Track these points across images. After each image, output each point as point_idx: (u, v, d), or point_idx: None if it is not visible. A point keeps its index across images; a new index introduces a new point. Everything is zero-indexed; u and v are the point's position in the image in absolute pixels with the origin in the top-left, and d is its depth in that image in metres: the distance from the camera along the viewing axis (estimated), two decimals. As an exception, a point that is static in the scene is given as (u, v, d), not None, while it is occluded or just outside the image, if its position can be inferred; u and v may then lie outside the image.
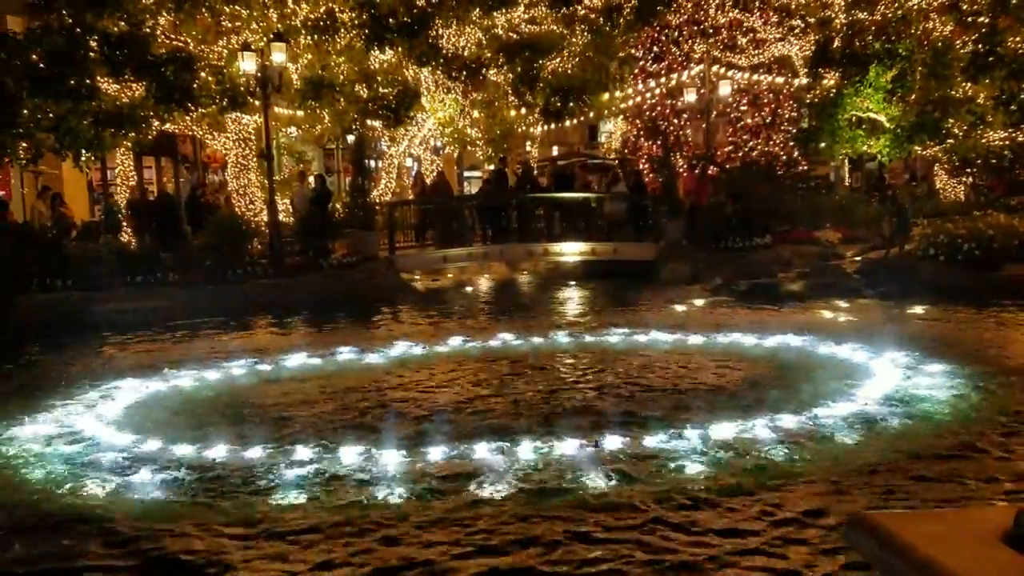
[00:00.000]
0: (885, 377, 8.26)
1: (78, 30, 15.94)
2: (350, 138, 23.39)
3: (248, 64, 16.05)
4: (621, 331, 11.23)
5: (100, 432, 7.26)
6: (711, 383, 8.52)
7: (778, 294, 14.63)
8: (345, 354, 10.37)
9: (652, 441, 6.41)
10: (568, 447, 6.29)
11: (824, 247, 17.94)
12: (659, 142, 23.81)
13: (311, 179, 20.86)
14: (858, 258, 16.91)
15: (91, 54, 15.90)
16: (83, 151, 16.06)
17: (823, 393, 7.74)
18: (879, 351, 9.31)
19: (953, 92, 20.76)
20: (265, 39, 17.06)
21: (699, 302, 14.50)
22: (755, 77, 22.81)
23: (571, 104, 20.62)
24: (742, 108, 23.36)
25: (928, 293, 13.38)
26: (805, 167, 23.37)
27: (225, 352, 10.88)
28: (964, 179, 21.91)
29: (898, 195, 19.90)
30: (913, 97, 21.13)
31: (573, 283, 18.48)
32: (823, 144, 22.34)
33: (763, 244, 17.59)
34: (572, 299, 16.53)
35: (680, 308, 13.83)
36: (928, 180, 24.62)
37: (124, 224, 18.79)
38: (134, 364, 10.42)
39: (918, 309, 12.73)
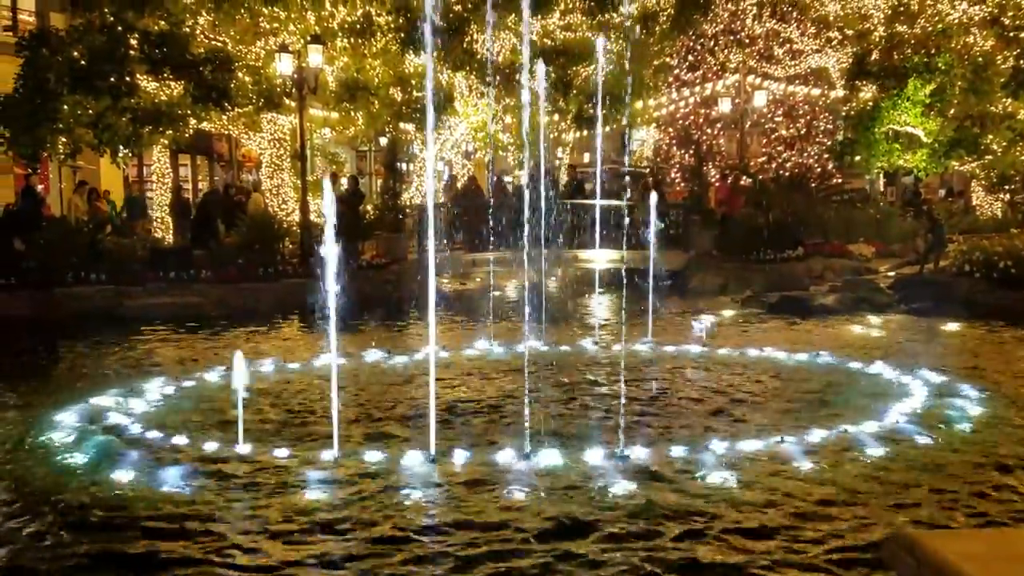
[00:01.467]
0: (917, 395, 8.13)
1: (119, 28, 16.21)
2: (383, 141, 23.56)
3: (285, 65, 16.23)
4: (648, 340, 11.17)
5: (131, 426, 7.35)
6: (739, 397, 8.45)
7: (809, 307, 14.47)
8: (373, 356, 10.42)
9: (678, 451, 6.36)
10: (595, 455, 6.26)
11: (857, 261, 17.75)
12: (692, 151, 23.71)
13: (344, 180, 21.03)
14: (892, 273, 16.71)
15: (131, 52, 16.16)
16: (120, 147, 16.32)
17: (854, 409, 7.64)
18: (912, 368, 9.17)
19: (992, 108, 20.48)
20: (302, 41, 17.24)
21: (728, 313, 14.39)
22: (791, 88, 22.66)
23: (604, 111, 20.59)
24: (777, 119, 23.22)
25: (963, 310, 13.17)
26: (839, 180, 23.16)
27: (254, 350, 10.97)
28: (1002, 196, 21.58)
29: (934, 210, 19.64)
30: (951, 112, 20.85)
31: (602, 290, 18.42)
32: (859, 157, 22.11)
33: (795, 256, 17.44)
34: (601, 306, 16.48)
35: (709, 318, 13.72)
36: (965, 196, 24.28)
37: (152, 216, 18.99)
38: (163, 359, 10.53)
39: (952, 326, 12.54)
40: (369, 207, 20.27)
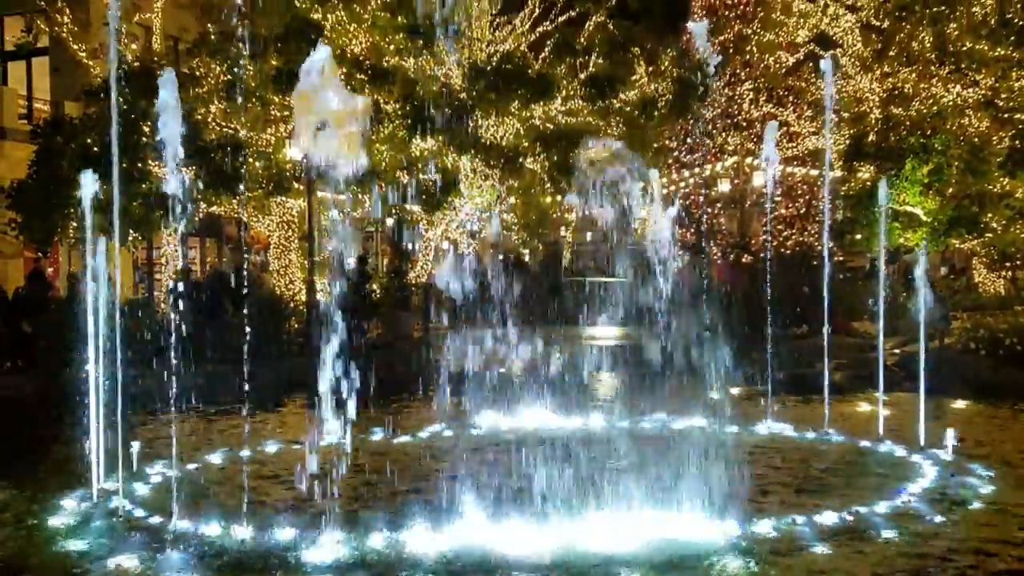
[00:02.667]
0: (926, 474, 8.06)
1: (132, 116, 16.66)
2: (389, 221, 23.92)
3: (295, 151, 16.62)
4: (656, 417, 11.13)
5: (133, 510, 7.30)
6: (749, 475, 8.37)
7: (815, 385, 14.40)
8: (376, 435, 10.37)
9: (690, 534, 6.29)
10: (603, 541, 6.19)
11: (862, 338, 17.74)
12: (693, 230, 24.02)
13: (351, 261, 21.27)
14: (897, 350, 16.69)
15: (143, 139, 16.57)
16: (131, 231, 16.58)
17: (863, 489, 7.56)
18: (920, 447, 9.11)
19: (990, 187, 20.77)
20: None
21: (735, 390, 14.33)
22: (789, 169, 23.07)
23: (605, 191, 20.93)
24: (776, 199, 23.56)
25: (969, 388, 13.11)
26: (841, 258, 23.36)
27: (255, 432, 10.94)
28: (1004, 273, 21.70)
29: (936, 288, 19.73)
30: (950, 191, 21.15)
31: (607, 366, 18.41)
32: (859, 236, 22.32)
33: (799, 334, 17.45)
34: (606, 383, 16.45)
35: (715, 395, 13.67)
36: (967, 273, 24.41)
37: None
38: (168, 440, 10.50)
39: (959, 404, 12.47)
40: (375, 286, 20.46)
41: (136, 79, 16.78)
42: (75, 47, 20.15)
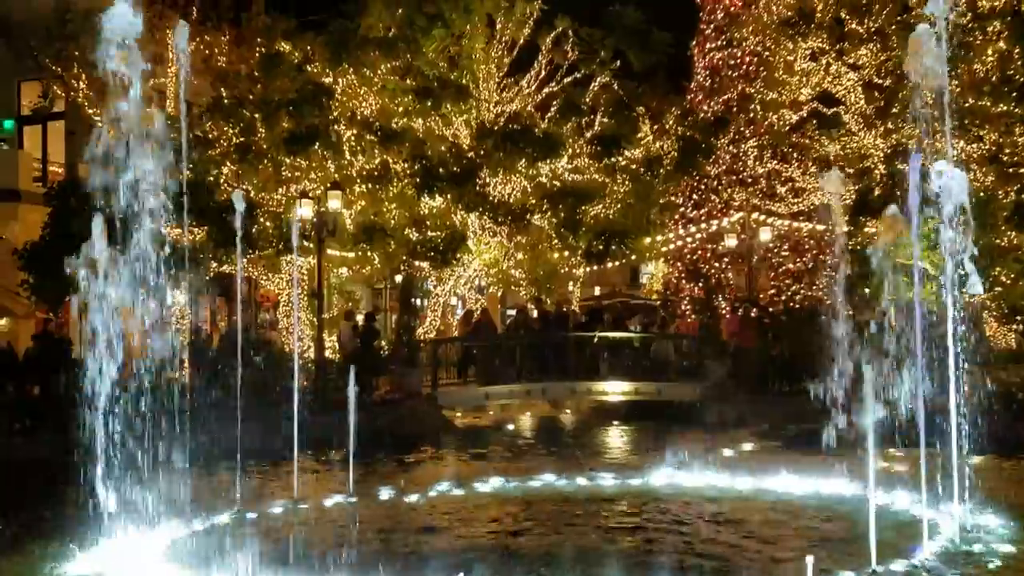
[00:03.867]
0: (943, 531, 7.94)
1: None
2: (398, 278, 24.05)
3: (305, 210, 16.84)
4: (666, 474, 11.03)
5: (149, 569, 7.25)
6: (764, 535, 8.27)
7: (827, 441, 14.28)
8: (384, 494, 10.31)
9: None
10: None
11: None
12: (701, 284, 24.05)
13: (360, 317, 21.34)
14: (910, 406, 16.56)
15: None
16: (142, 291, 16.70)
17: (879, 547, 7.45)
18: (936, 503, 8.98)
19: (998, 240, 20.77)
20: (322, 187, 17.94)
21: (747, 446, 14.22)
22: (796, 224, 23.18)
23: (613, 247, 21.07)
24: (783, 253, 23.64)
25: (982, 443, 12.96)
26: (850, 312, 23.29)
27: (264, 490, 10.88)
28: (1015, 327, 21.58)
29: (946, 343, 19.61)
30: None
31: (617, 423, 18.30)
32: (867, 291, 22.26)
33: (810, 388, 17.33)
34: (616, 439, 16.35)
35: (728, 452, 13.57)
36: (977, 328, 24.30)
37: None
38: (176, 501, 10.44)
39: (974, 459, 12.32)
40: (384, 343, 20.49)
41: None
42: (90, 111, 20.58)
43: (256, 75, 20.28)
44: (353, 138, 19.30)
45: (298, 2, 21.04)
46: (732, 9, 25.75)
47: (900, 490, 9.84)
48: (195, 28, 20.85)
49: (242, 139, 18.66)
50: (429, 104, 19.31)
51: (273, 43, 20.05)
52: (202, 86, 20.92)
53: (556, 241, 21.50)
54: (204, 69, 20.90)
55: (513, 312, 32.26)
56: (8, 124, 23.84)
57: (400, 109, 19.95)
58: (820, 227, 23.42)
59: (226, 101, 19.45)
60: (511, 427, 18.30)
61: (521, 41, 21.70)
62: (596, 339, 20.81)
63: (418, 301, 26.58)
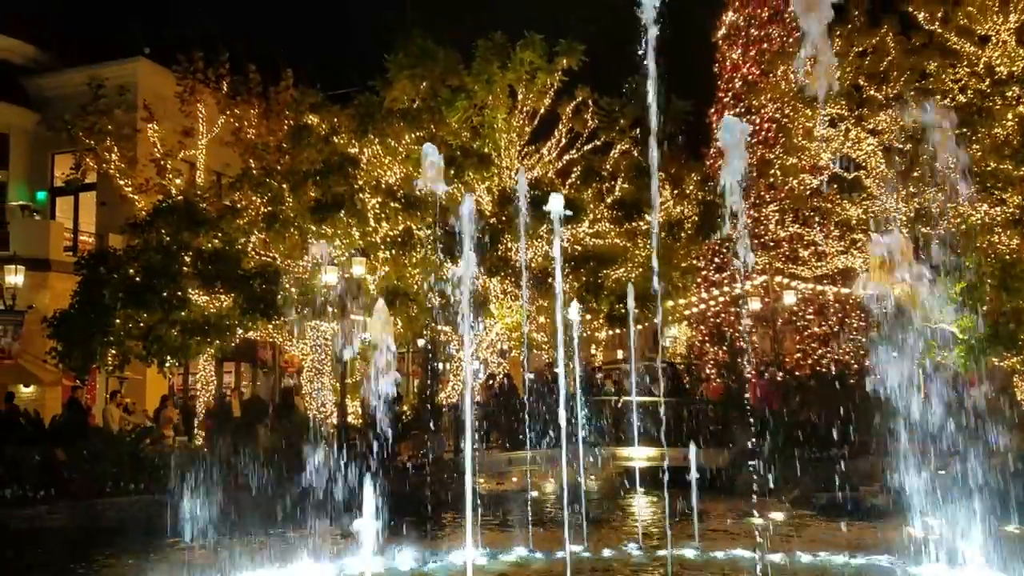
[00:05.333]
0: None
1: (175, 247, 17.25)
2: (420, 342, 24.09)
3: (330, 277, 17.01)
4: (695, 545, 10.80)
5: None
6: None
7: (861, 509, 13.98)
8: (406, 560, 10.16)
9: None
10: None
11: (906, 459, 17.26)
12: (725, 348, 23.89)
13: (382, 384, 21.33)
14: (942, 471, 16.19)
15: (184, 268, 17.08)
16: (168, 358, 16.86)
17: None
18: (971, 572, 8.72)
19: (1024, 304, 20.53)
20: (347, 254, 18.16)
21: (777, 515, 13.92)
22: (819, 287, 23.08)
23: (635, 311, 21.03)
24: (808, 317, 23.48)
25: (1019, 510, 12.62)
26: (878, 375, 23.01)
27: (287, 557, 10.76)
28: (1045, 389, 21.20)
29: (977, 408, 19.25)
30: (985, 308, 20.92)
31: (643, 490, 18.00)
32: (895, 355, 21.99)
33: (841, 455, 17.05)
34: (642, 507, 16.05)
35: (758, 521, 13.29)
36: (1008, 391, 23.86)
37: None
38: (202, 570, 10.35)
39: (1011, 528, 11.99)
40: (406, 407, 20.44)
41: (179, 212, 17.48)
42: (121, 182, 21.08)
43: (284, 146, 20.78)
44: (378, 205, 19.59)
45: (325, 76, 21.69)
46: (750, 77, 26.17)
47: (935, 557, 9.56)
48: (225, 101, 21.53)
49: (270, 208, 19.01)
50: (452, 172, 19.63)
51: (301, 115, 20.58)
52: (232, 157, 21.45)
53: (578, 305, 21.52)
54: (234, 141, 21.45)
55: (532, 376, 32.16)
56: (41, 196, 24.49)
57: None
58: (845, 290, 23.30)
59: (255, 171, 19.88)
60: (535, 493, 18.06)
61: (542, 110, 22.11)
62: (620, 403, 20.64)
63: (440, 365, 26.58)
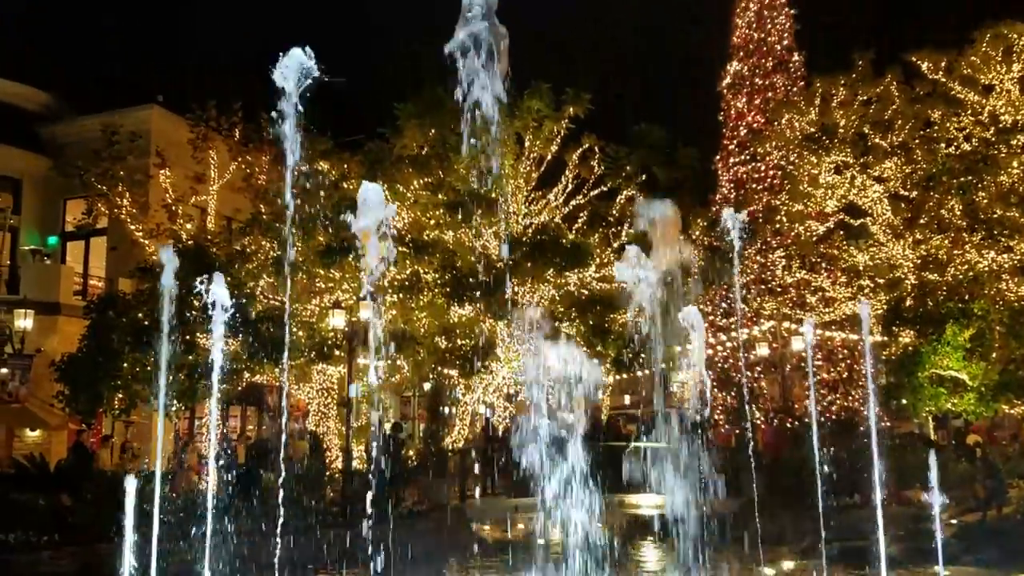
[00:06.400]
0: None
1: (183, 291, 17.30)
2: (426, 386, 24.04)
3: (338, 320, 17.06)
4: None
5: None
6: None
7: (872, 558, 13.74)
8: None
9: None
10: None
11: (916, 508, 17.04)
12: (733, 394, 23.77)
13: (388, 426, 21.27)
14: (954, 520, 15.99)
15: (193, 312, 17.14)
16: (175, 402, 16.85)
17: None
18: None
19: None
20: (354, 297, 18.23)
21: (788, 565, 13.72)
22: (828, 333, 23.01)
23: (642, 355, 20.98)
24: (817, 363, 23.36)
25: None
26: (888, 423, 22.81)
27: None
28: (1060, 434, 20.98)
29: (988, 455, 19.07)
30: (994, 355, 20.80)
31: (650, 538, 17.76)
32: (904, 401, 21.85)
33: (851, 503, 16.84)
34: (651, 556, 15.84)
35: (769, 571, 13.09)
36: (1020, 439, 23.62)
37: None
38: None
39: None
40: (412, 452, 20.34)
41: (189, 257, 17.60)
42: (132, 227, 21.27)
43: (295, 192, 20.95)
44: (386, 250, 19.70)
45: (336, 124, 21.98)
46: (755, 125, 26.42)
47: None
48: (237, 148, 21.81)
49: (279, 252, 19.15)
50: (460, 217, 19.78)
51: (312, 162, 20.83)
52: (242, 202, 21.65)
53: (585, 349, 21.49)
54: (245, 187, 21.69)
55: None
56: (52, 241, 24.74)
57: (432, 222, 20.44)
58: (853, 336, 23.23)
59: (265, 216, 20.07)
60: (541, 541, 17.83)
61: (549, 157, 22.35)
62: (628, 449, 20.48)
63: (446, 410, 26.47)
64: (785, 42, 29.57)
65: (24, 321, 20.13)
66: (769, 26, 29.69)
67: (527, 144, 21.84)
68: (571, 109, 21.34)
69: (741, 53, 29.78)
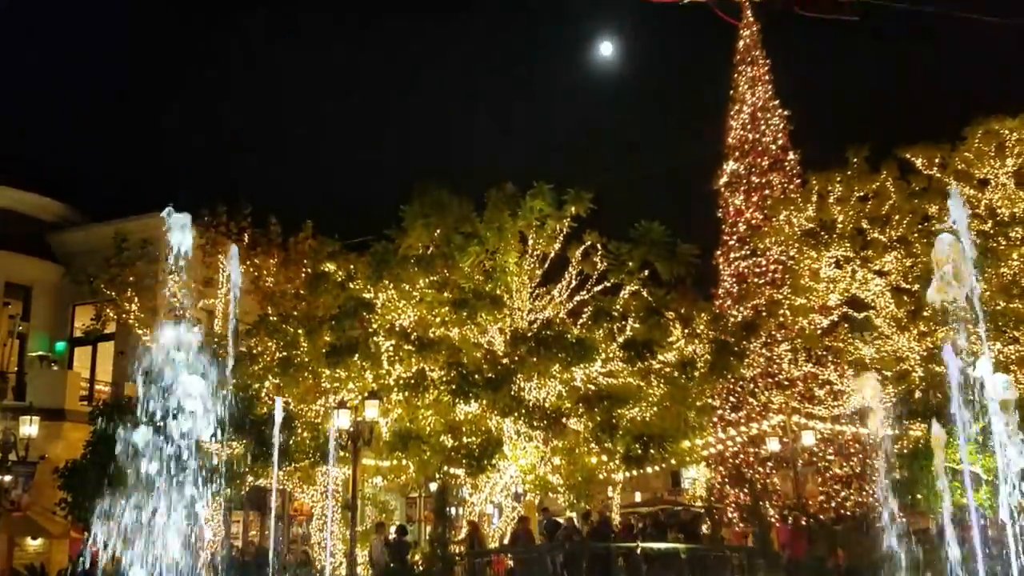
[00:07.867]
0: None
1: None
2: (432, 486, 23.63)
3: (343, 420, 16.96)
4: None
5: None
6: None
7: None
8: None
9: None
10: None
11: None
12: (746, 490, 23.33)
13: (391, 529, 20.83)
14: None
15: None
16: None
17: None
18: None
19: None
20: (359, 396, 18.17)
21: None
22: (838, 427, 22.76)
23: (651, 451, 20.69)
24: (829, 457, 23.03)
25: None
26: (904, 518, 22.25)
27: None
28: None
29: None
30: (1006, 446, 20.51)
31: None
32: (919, 496, 21.38)
33: (871, 602, 16.29)
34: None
35: None
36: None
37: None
38: None
39: None
40: (418, 556, 19.84)
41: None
42: (140, 332, 21.42)
43: (301, 293, 21.21)
44: (391, 348, 19.76)
45: (342, 226, 22.42)
46: (753, 221, 26.80)
47: None
48: (245, 252, 22.17)
49: (284, 353, 19.20)
50: (465, 314, 19.88)
51: (319, 264, 21.13)
52: (250, 304, 21.86)
53: (593, 445, 21.21)
54: (253, 289, 21.94)
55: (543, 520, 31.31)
56: (60, 347, 24.86)
57: (437, 319, 20.54)
58: (864, 430, 22.97)
59: (272, 318, 20.22)
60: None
61: (552, 254, 22.62)
62: (639, 550, 19.98)
63: (453, 510, 25.90)
64: (780, 141, 30.25)
65: (29, 428, 20.03)
66: (763, 127, 30.44)
67: (530, 242, 22.15)
68: (573, 208, 21.73)
69: (737, 153, 30.42)
